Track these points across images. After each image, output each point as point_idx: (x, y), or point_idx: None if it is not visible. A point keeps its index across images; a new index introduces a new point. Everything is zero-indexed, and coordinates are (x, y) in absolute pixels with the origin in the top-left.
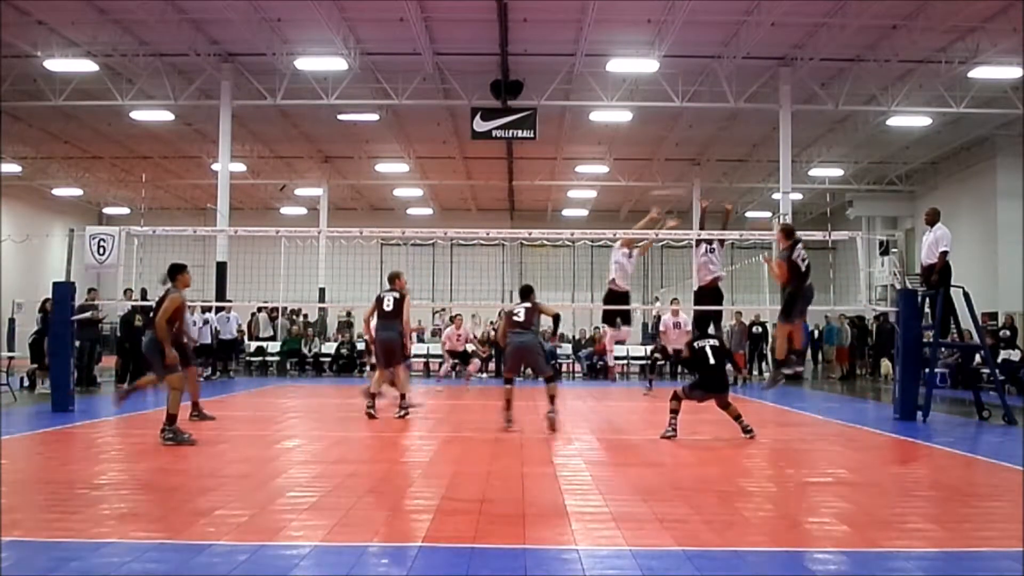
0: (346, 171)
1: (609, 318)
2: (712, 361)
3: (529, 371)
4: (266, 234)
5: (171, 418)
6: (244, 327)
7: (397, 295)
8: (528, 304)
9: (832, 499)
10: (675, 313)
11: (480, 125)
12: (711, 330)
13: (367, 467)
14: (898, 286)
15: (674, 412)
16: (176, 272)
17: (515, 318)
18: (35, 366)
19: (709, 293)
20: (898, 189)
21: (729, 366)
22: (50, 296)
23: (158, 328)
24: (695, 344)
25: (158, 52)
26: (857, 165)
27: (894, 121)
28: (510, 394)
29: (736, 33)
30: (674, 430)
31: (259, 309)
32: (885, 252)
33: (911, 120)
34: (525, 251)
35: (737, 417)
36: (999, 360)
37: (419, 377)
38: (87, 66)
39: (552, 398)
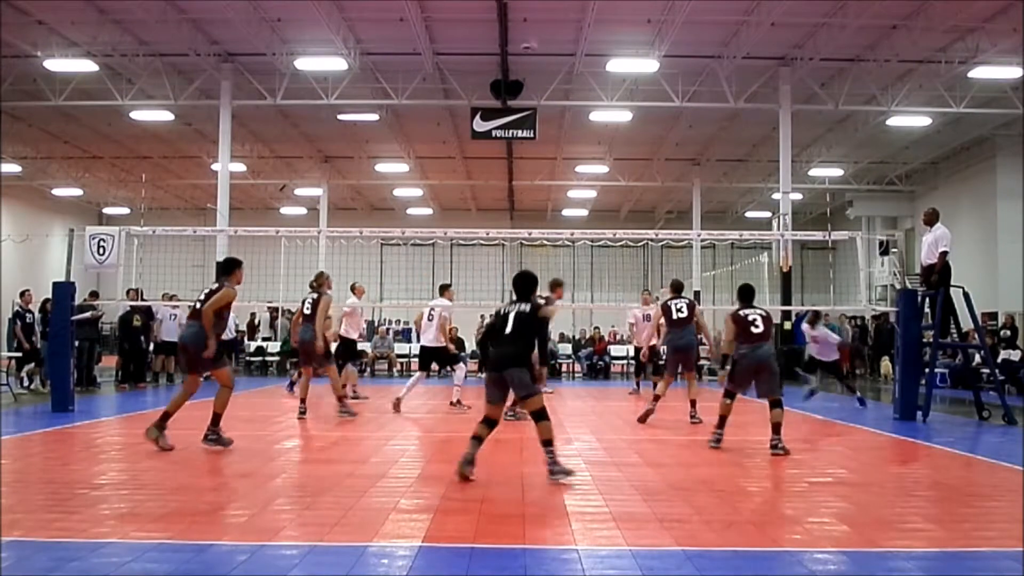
0: (346, 171)
1: None
2: (508, 329)
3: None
4: (266, 234)
5: (216, 418)
6: (244, 327)
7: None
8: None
9: (832, 499)
10: (645, 303)
11: (480, 125)
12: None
13: (367, 467)
14: (898, 286)
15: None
16: (233, 267)
17: (755, 328)
18: (32, 364)
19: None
20: (898, 189)
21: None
22: (50, 296)
23: (205, 316)
24: (503, 309)
25: (158, 52)
26: (857, 165)
27: (894, 121)
28: (728, 410)
29: (736, 33)
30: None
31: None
32: (885, 252)
33: (911, 120)
34: (525, 251)
35: (544, 445)
36: (999, 360)
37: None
38: (87, 66)
39: (777, 427)
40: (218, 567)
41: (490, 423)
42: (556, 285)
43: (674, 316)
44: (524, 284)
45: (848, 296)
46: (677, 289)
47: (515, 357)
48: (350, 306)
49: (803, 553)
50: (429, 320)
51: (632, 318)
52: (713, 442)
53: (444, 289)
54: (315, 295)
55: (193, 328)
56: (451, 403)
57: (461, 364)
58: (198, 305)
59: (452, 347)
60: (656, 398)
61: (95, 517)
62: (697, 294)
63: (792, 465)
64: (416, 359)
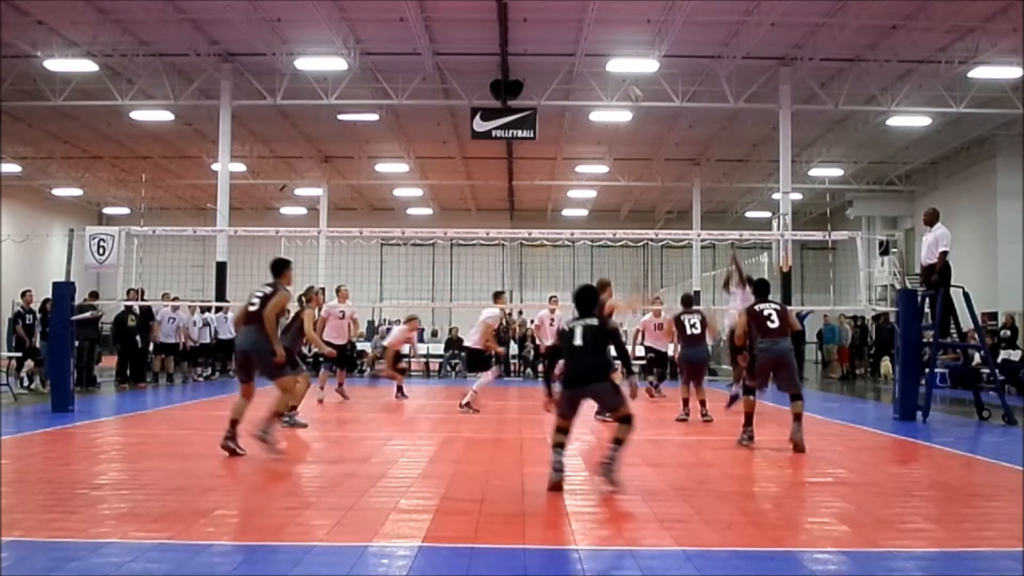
0: (346, 171)
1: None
2: (578, 342)
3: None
4: (266, 234)
5: (273, 415)
6: None
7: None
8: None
9: (832, 499)
10: (656, 314)
11: (480, 125)
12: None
13: (366, 467)
14: (898, 286)
15: (557, 447)
16: (283, 267)
17: (770, 323)
18: (32, 363)
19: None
20: (898, 189)
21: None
22: (50, 296)
23: (268, 321)
24: (566, 325)
25: (158, 52)
26: (857, 165)
27: (894, 121)
28: (752, 406)
29: (736, 33)
30: (557, 471)
31: None
32: (885, 252)
33: (911, 120)
34: (525, 251)
35: (615, 443)
36: (999, 360)
37: (419, 377)
38: (87, 66)
39: (798, 416)
40: (218, 567)
41: (564, 431)
42: (605, 285)
43: (688, 332)
44: (587, 299)
45: (848, 296)
46: (688, 303)
47: (594, 371)
48: (328, 310)
49: (803, 553)
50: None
51: (640, 324)
52: (746, 439)
53: (497, 296)
54: (298, 308)
55: (252, 335)
56: (460, 404)
57: (489, 374)
58: (252, 308)
59: (493, 349)
60: (685, 402)
61: (95, 517)
62: (697, 294)
63: (792, 465)
64: (416, 360)
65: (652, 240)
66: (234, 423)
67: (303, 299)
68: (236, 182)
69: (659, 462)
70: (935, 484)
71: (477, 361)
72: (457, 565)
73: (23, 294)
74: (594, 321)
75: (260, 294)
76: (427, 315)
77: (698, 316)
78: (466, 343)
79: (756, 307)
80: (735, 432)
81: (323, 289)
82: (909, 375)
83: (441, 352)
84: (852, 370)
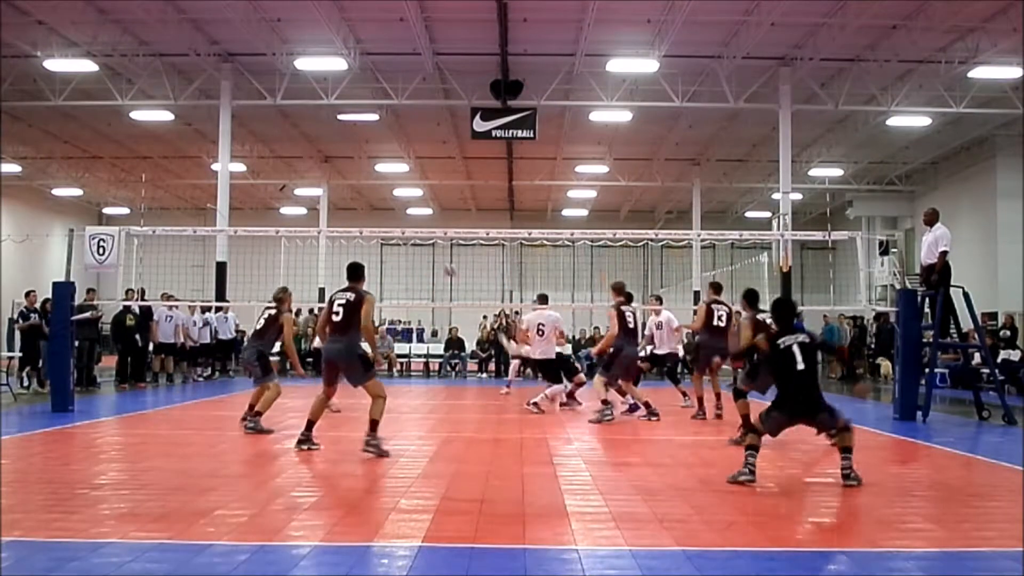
0: (346, 171)
1: None
2: (801, 366)
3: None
4: (266, 234)
5: (374, 424)
6: (244, 327)
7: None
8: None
9: (832, 499)
10: (656, 312)
11: (480, 125)
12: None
13: (366, 467)
14: (898, 286)
15: (751, 449)
16: (361, 272)
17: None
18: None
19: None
20: (898, 189)
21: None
22: (50, 296)
23: (367, 332)
24: (779, 342)
25: (158, 52)
26: (857, 165)
27: (894, 121)
28: (748, 408)
29: (736, 33)
30: (751, 472)
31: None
32: (885, 252)
33: (911, 120)
34: (525, 251)
35: (845, 452)
36: (999, 360)
37: (419, 376)
38: (87, 66)
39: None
40: (218, 567)
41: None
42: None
43: (713, 323)
44: (788, 311)
45: (848, 296)
46: (719, 291)
47: (818, 398)
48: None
49: (803, 553)
50: (539, 335)
51: (648, 330)
52: (740, 440)
53: (542, 300)
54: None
55: (338, 344)
56: (561, 405)
57: (564, 383)
58: (336, 319)
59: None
60: (700, 400)
61: (95, 517)
62: (697, 294)
63: (792, 465)
64: (416, 360)
65: (652, 240)
66: (310, 424)
67: (276, 300)
68: (236, 182)
69: (659, 462)
70: (935, 484)
71: (557, 369)
72: (457, 565)
73: (27, 294)
74: (807, 337)
75: (342, 302)
76: (427, 315)
77: (725, 308)
78: (539, 356)
79: (759, 318)
80: (735, 432)
81: (322, 289)
82: (909, 375)
83: (441, 352)
84: (853, 369)
